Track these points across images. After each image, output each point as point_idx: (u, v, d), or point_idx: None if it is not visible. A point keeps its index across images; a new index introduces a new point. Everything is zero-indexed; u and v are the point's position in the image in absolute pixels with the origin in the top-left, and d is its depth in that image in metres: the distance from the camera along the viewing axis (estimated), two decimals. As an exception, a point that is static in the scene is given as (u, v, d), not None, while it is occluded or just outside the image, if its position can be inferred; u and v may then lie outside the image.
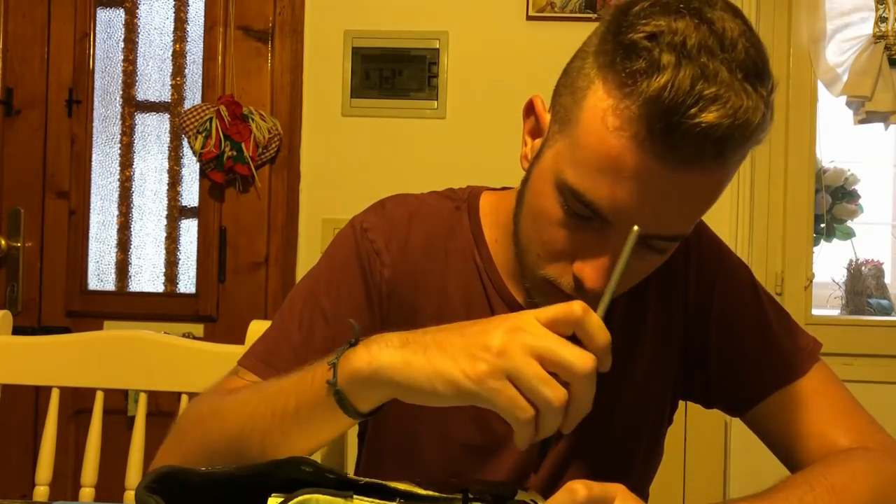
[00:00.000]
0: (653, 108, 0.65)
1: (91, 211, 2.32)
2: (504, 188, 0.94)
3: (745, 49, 0.67)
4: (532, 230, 0.77)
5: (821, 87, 2.26)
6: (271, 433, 0.71)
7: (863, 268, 2.43)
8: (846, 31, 2.24)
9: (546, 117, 0.78)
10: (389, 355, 0.64)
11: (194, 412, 0.83)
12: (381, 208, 0.93)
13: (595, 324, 0.61)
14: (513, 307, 0.86)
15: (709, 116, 0.64)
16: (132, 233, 2.34)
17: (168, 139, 2.33)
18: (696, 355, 0.90)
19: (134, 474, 1.24)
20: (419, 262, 0.89)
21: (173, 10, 2.33)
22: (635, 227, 0.66)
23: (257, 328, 1.22)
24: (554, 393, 0.59)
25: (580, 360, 0.59)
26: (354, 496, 0.60)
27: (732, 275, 0.90)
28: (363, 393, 0.66)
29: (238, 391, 0.80)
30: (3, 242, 2.30)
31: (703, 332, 0.90)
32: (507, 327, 0.61)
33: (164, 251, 2.34)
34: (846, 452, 0.80)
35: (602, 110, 0.69)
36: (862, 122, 2.24)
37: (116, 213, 2.34)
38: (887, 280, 2.45)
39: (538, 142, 0.79)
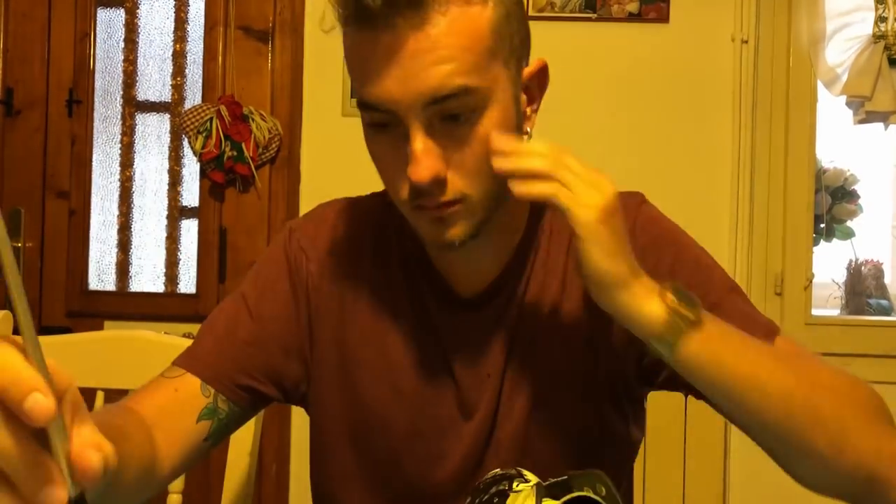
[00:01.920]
0: None
1: (91, 211, 2.32)
2: None
3: None
4: (379, 173, 0.83)
5: (821, 87, 2.26)
6: None
7: (862, 268, 2.43)
8: (846, 31, 2.24)
9: None
10: None
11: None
12: (313, 211, 0.98)
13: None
14: (442, 290, 0.88)
15: None
16: (132, 233, 2.35)
17: (168, 139, 2.34)
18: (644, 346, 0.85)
19: (134, 474, 1.24)
20: (345, 254, 0.92)
21: (173, 10, 2.33)
22: None
23: (257, 328, 1.23)
24: None
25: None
26: None
27: (682, 266, 0.85)
28: None
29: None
30: (3, 242, 2.30)
31: None
32: None
33: (164, 251, 2.34)
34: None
35: (343, 41, 0.76)
36: (862, 122, 2.24)
37: (117, 213, 2.34)
38: (887, 280, 2.45)
39: None
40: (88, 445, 0.44)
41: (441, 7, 0.71)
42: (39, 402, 0.41)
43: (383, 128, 0.77)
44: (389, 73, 0.72)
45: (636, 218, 0.86)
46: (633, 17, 2.22)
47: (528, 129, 0.82)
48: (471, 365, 0.87)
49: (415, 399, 0.87)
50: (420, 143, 0.73)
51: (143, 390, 0.84)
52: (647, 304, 0.71)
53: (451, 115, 0.74)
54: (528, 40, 0.82)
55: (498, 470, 0.72)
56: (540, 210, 0.89)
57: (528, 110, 0.82)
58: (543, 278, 0.87)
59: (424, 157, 0.73)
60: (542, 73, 0.83)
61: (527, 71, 0.81)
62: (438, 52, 0.71)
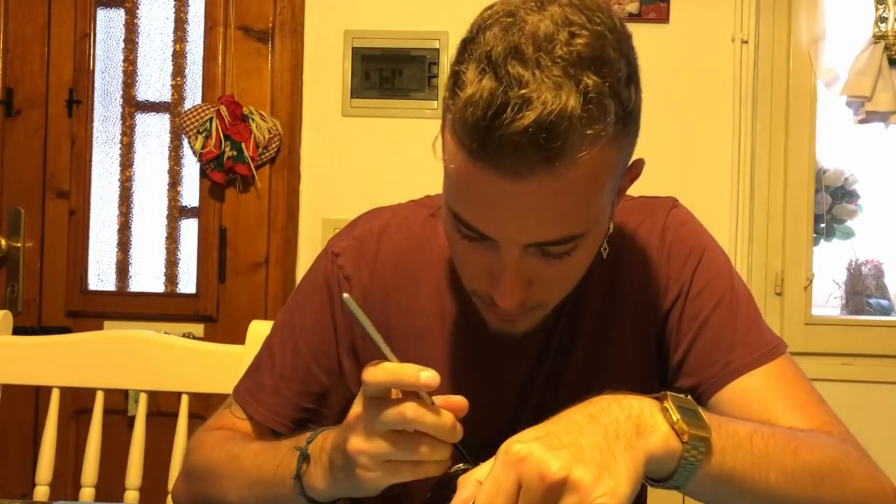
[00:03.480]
0: (462, 127, 0.66)
1: (91, 211, 2.32)
2: None
3: (566, 41, 0.65)
4: (451, 253, 0.80)
5: (821, 87, 2.26)
6: None
7: (863, 268, 2.43)
8: (846, 31, 2.24)
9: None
10: (322, 483, 0.74)
11: (201, 459, 0.91)
12: (353, 227, 0.96)
13: (424, 425, 0.66)
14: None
15: (515, 124, 0.63)
16: (132, 233, 2.34)
17: (168, 139, 2.33)
18: (663, 345, 0.90)
19: (134, 474, 1.24)
20: (389, 280, 0.92)
21: (173, 10, 2.33)
22: (345, 294, 0.68)
23: (257, 328, 1.23)
24: (406, 450, 0.66)
25: (399, 409, 0.65)
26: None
27: (705, 269, 0.89)
28: (323, 497, 0.77)
29: (229, 451, 0.88)
30: (3, 242, 2.30)
31: (670, 324, 0.89)
32: (347, 434, 0.69)
33: (164, 251, 2.34)
34: (811, 429, 0.80)
35: (446, 138, 0.71)
36: (862, 122, 2.24)
37: (116, 213, 2.34)
38: (887, 280, 2.45)
39: None
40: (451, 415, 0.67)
41: (572, 162, 0.65)
42: (430, 375, 0.64)
43: (481, 239, 0.73)
44: (501, 215, 0.69)
45: (666, 219, 0.90)
46: (633, 17, 2.21)
47: (610, 226, 0.83)
48: (516, 388, 0.90)
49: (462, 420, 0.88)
50: (512, 274, 0.72)
51: (223, 424, 0.95)
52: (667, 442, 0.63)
53: (552, 252, 0.72)
54: (635, 141, 0.76)
55: (461, 465, 0.72)
56: None
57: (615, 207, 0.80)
58: (592, 295, 0.89)
59: (513, 286, 0.73)
60: (638, 171, 0.79)
61: (627, 175, 0.77)
62: (559, 207, 0.68)
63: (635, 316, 0.90)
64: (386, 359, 0.67)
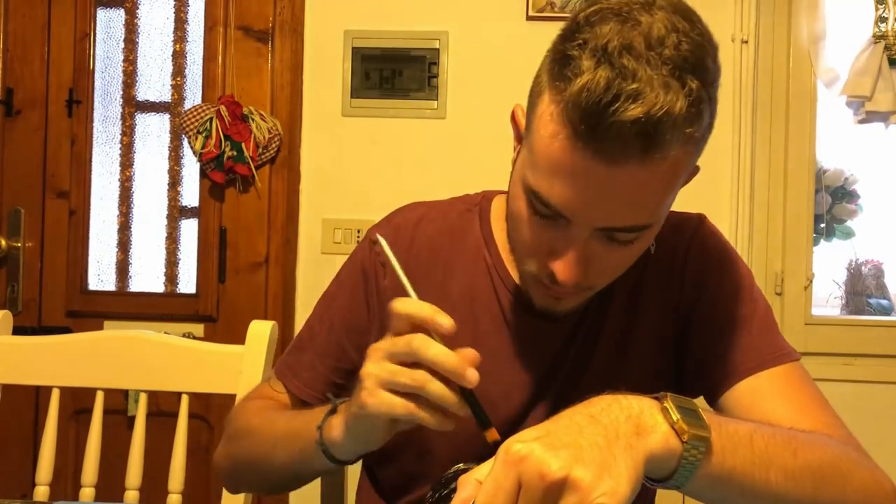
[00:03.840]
0: (574, 110, 0.70)
1: (91, 211, 2.32)
2: None
3: (675, 45, 0.69)
4: (513, 230, 0.85)
5: (821, 87, 2.26)
6: (287, 463, 0.90)
7: (863, 268, 2.43)
8: (846, 31, 2.24)
9: (523, 123, 0.83)
10: (337, 431, 0.79)
11: (241, 423, 0.98)
12: (393, 217, 1.02)
13: (427, 356, 0.70)
14: (518, 298, 0.93)
15: (626, 114, 0.67)
16: (132, 233, 2.34)
17: (168, 139, 2.34)
18: (681, 349, 0.94)
19: (134, 474, 1.24)
20: (421, 265, 0.96)
21: (173, 10, 2.33)
22: (377, 235, 0.76)
23: (257, 328, 1.23)
24: (405, 375, 0.70)
25: (408, 338, 0.70)
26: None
27: (727, 278, 0.93)
28: (339, 452, 0.82)
29: (267, 415, 0.95)
30: (3, 242, 2.30)
31: (689, 327, 0.93)
32: (364, 364, 0.74)
33: (164, 251, 2.34)
34: (812, 431, 0.80)
35: (545, 116, 0.74)
36: (862, 122, 2.24)
37: (116, 213, 2.34)
38: (887, 280, 2.45)
39: (519, 147, 0.84)
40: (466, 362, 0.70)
41: (665, 157, 0.70)
42: (446, 318, 0.70)
43: (556, 217, 0.77)
44: (585, 196, 0.73)
45: (693, 234, 0.95)
46: (633, 17, 2.21)
47: None
48: (539, 378, 0.93)
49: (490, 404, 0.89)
50: (579, 252, 0.77)
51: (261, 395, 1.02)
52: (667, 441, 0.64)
53: (619, 239, 0.77)
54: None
55: (461, 465, 0.73)
56: None
57: None
58: (619, 294, 0.92)
59: (576, 265, 0.77)
60: (693, 175, 0.83)
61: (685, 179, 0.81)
62: (639, 196, 0.73)
63: (657, 316, 0.93)
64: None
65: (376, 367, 0.72)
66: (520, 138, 0.85)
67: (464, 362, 0.70)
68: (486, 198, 1.01)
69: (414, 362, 0.71)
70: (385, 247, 0.75)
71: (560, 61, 0.73)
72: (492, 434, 0.71)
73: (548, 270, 0.79)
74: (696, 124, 0.71)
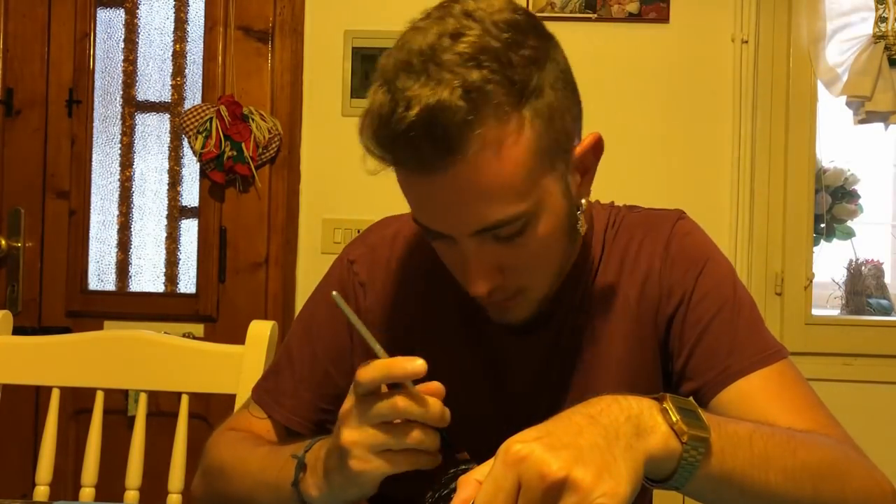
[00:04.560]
0: (370, 136, 0.75)
1: (91, 211, 2.32)
2: None
3: (448, 47, 0.71)
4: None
5: (821, 87, 2.26)
6: None
7: (863, 268, 2.43)
8: (846, 31, 2.24)
9: None
10: (316, 491, 0.76)
11: (215, 459, 0.94)
12: (367, 235, 1.01)
13: (414, 413, 0.69)
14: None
15: (403, 123, 0.70)
16: (132, 233, 2.35)
17: (168, 139, 2.33)
18: (665, 350, 0.92)
19: (134, 474, 1.24)
20: (400, 284, 0.96)
21: (173, 10, 2.33)
22: (333, 293, 0.74)
23: (257, 328, 1.23)
24: (400, 437, 0.70)
25: (391, 400, 0.69)
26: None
27: (708, 277, 0.91)
28: None
29: (239, 455, 0.91)
30: (3, 242, 2.30)
31: (672, 329, 0.91)
32: (339, 429, 0.72)
33: (164, 251, 2.34)
34: (809, 431, 0.80)
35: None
36: (862, 122, 2.24)
37: (116, 213, 2.34)
38: (887, 280, 2.45)
39: None
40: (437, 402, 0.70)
41: (470, 150, 0.71)
42: (418, 363, 0.67)
43: (440, 237, 0.79)
44: (436, 211, 0.76)
45: (672, 230, 0.93)
46: (633, 17, 2.22)
47: (582, 203, 0.85)
48: (528, 390, 0.91)
49: (471, 425, 0.89)
50: (473, 262, 0.77)
51: (239, 425, 0.98)
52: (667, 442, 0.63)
53: (501, 235, 0.77)
54: (579, 115, 0.81)
55: (462, 466, 0.73)
56: (589, 236, 0.92)
57: (580, 184, 0.84)
58: (597, 302, 0.91)
59: (478, 274, 0.78)
60: (598, 146, 0.83)
61: (578, 149, 0.81)
62: (479, 193, 0.73)
63: (640, 322, 0.91)
64: (375, 356, 0.71)
65: (359, 433, 0.70)
66: None
67: (443, 408, 0.70)
68: None
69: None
70: (342, 305, 0.73)
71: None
72: (463, 455, 0.73)
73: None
74: (486, 107, 0.70)
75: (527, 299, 0.84)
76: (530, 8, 2.22)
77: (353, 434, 0.70)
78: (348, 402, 0.72)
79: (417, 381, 0.70)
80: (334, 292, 0.74)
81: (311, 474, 0.77)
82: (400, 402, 0.69)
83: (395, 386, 0.70)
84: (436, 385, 0.71)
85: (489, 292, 0.79)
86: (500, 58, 0.71)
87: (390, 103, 0.71)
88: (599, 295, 0.91)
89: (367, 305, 0.95)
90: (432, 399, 0.70)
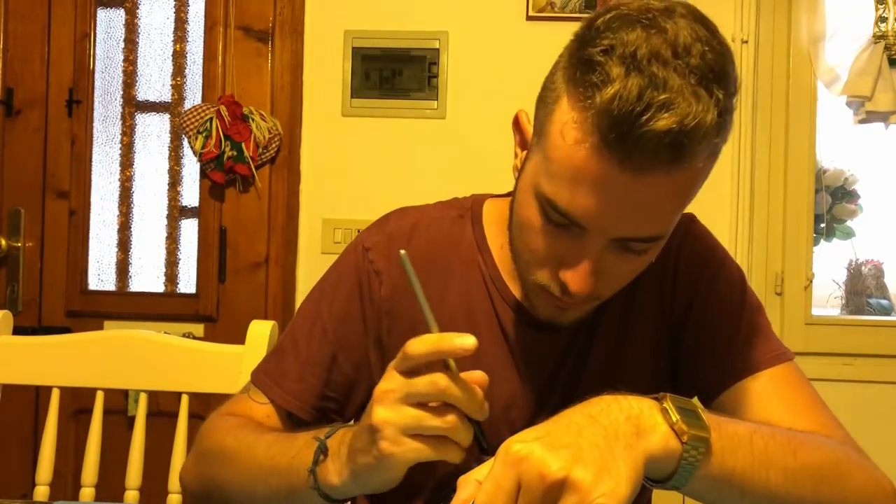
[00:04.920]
0: (605, 118, 0.68)
1: (91, 211, 2.32)
2: (508, 194, 0.96)
3: (701, 54, 0.68)
4: (520, 239, 0.82)
5: (821, 87, 2.26)
6: (271, 499, 0.83)
7: (863, 268, 2.43)
8: (846, 31, 2.24)
9: (529, 130, 0.81)
10: (337, 478, 0.73)
11: (213, 443, 0.90)
12: (384, 224, 0.97)
13: (454, 396, 0.66)
14: (516, 310, 0.91)
15: (658, 123, 0.66)
16: (132, 233, 2.34)
17: (168, 139, 2.33)
18: (675, 350, 0.93)
19: (134, 474, 1.24)
20: (419, 275, 0.91)
21: (173, 10, 2.33)
22: (402, 251, 0.69)
23: (257, 328, 1.23)
24: (435, 419, 0.66)
25: (431, 379, 0.66)
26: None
27: (720, 279, 0.92)
28: (340, 494, 0.76)
29: (242, 440, 0.87)
30: (3, 242, 2.30)
31: (683, 329, 0.92)
32: (373, 408, 0.68)
33: (164, 251, 2.34)
34: (810, 432, 0.80)
35: (565, 123, 0.72)
36: (862, 122, 2.24)
37: (116, 213, 2.34)
38: (887, 280, 2.45)
39: (524, 153, 0.82)
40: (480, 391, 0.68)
41: (692, 167, 0.70)
42: (468, 339, 0.64)
43: (572, 226, 0.75)
44: (606, 206, 0.71)
45: (685, 233, 0.93)
46: (633, 17, 2.21)
47: None
48: (538, 388, 0.91)
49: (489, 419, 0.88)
50: (592, 263, 0.75)
51: (237, 410, 0.94)
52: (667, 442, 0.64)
53: (635, 248, 0.76)
54: None
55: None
56: None
57: None
58: (613, 302, 0.90)
59: (589, 276, 0.76)
60: None
61: None
62: (660, 206, 0.73)
63: (651, 321, 0.92)
64: (428, 330, 0.68)
65: (393, 413, 0.67)
66: (524, 144, 0.83)
67: (484, 399, 0.68)
68: (477, 202, 0.98)
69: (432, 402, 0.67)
70: (409, 268, 0.69)
71: (582, 67, 0.70)
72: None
73: (558, 281, 0.78)
74: (723, 134, 0.70)
75: (589, 307, 0.84)
76: (530, 8, 2.22)
77: (387, 412, 0.67)
78: (386, 381, 0.68)
79: (461, 370, 0.67)
80: (402, 251, 0.69)
81: (333, 460, 0.74)
82: (441, 380, 0.65)
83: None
84: (480, 374, 0.68)
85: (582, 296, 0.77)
86: (734, 86, 0.71)
87: (648, 95, 0.66)
88: (615, 296, 0.90)
89: (383, 295, 0.92)
90: (474, 386, 0.67)
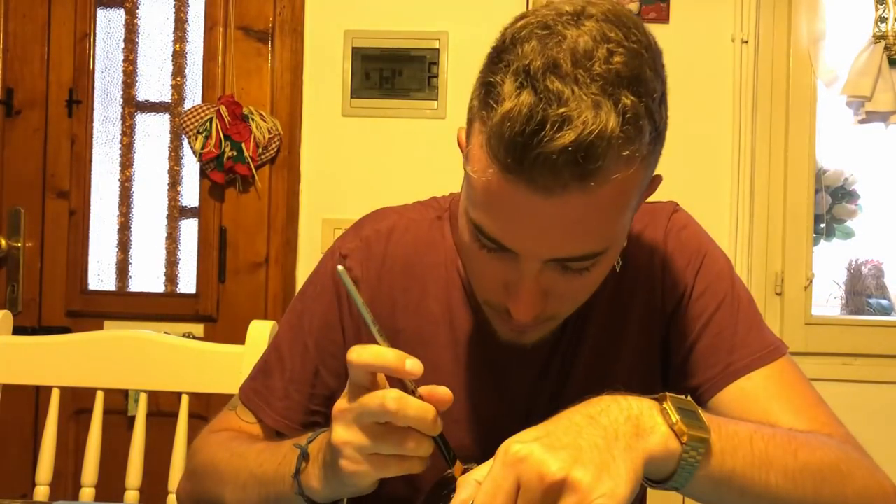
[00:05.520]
0: (498, 141, 0.65)
1: (91, 211, 2.32)
2: None
3: (605, 58, 0.64)
4: (465, 263, 0.80)
5: (821, 87, 2.26)
6: None
7: (863, 268, 2.43)
8: (846, 32, 2.24)
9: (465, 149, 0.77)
10: (317, 482, 0.72)
11: (205, 458, 0.90)
12: (360, 228, 0.95)
13: (405, 417, 0.64)
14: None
15: (554, 143, 0.62)
16: (132, 233, 2.34)
17: (168, 139, 2.34)
18: (667, 349, 0.92)
19: (134, 474, 1.24)
20: (397, 282, 0.91)
21: (173, 10, 2.33)
22: (339, 267, 0.68)
23: (257, 328, 1.23)
24: (389, 443, 0.65)
25: (381, 400, 0.64)
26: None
27: (709, 271, 0.90)
28: (323, 498, 0.75)
29: (233, 450, 0.87)
30: (3, 242, 2.30)
31: (673, 325, 0.90)
32: (333, 426, 0.68)
33: (164, 251, 2.34)
34: (811, 431, 0.80)
35: (476, 147, 0.69)
36: (862, 122, 2.24)
37: (116, 213, 2.34)
38: (887, 280, 2.45)
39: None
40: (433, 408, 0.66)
41: (605, 181, 0.65)
42: (414, 364, 0.64)
43: (502, 250, 0.72)
44: (527, 229, 0.68)
45: (668, 224, 0.91)
46: (633, 17, 2.21)
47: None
48: (523, 393, 0.90)
49: (469, 427, 0.88)
50: (529, 285, 0.72)
51: (225, 427, 0.94)
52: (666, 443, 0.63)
53: (572, 267, 0.72)
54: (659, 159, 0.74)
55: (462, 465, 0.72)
56: None
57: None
58: (596, 307, 0.89)
59: (532, 301, 0.73)
60: (655, 187, 0.79)
61: (645, 193, 0.76)
62: (586, 224, 0.68)
63: (639, 319, 0.91)
64: (375, 341, 0.66)
65: (350, 434, 0.66)
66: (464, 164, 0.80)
67: (436, 416, 0.65)
68: (455, 202, 0.93)
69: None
70: (348, 283, 0.66)
71: (486, 86, 0.67)
72: (458, 469, 0.69)
73: (504, 306, 0.75)
74: (636, 142, 0.65)
75: (549, 327, 0.81)
76: (530, 8, 2.22)
77: (345, 433, 0.66)
78: (343, 398, 0.68)
79: (421, 383, 0.66)
80: (340, 267, 0.67)
81: (313, 465, 0.74)
82: (390, 404, 0.63)
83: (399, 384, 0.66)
84: (443, 391, 0.66)
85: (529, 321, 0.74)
86: (651, 89, 0.66)
87: (541, 112, 0.62)
88: (599, 293, 0.89)
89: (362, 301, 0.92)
90: (426, 405, 0.65)
